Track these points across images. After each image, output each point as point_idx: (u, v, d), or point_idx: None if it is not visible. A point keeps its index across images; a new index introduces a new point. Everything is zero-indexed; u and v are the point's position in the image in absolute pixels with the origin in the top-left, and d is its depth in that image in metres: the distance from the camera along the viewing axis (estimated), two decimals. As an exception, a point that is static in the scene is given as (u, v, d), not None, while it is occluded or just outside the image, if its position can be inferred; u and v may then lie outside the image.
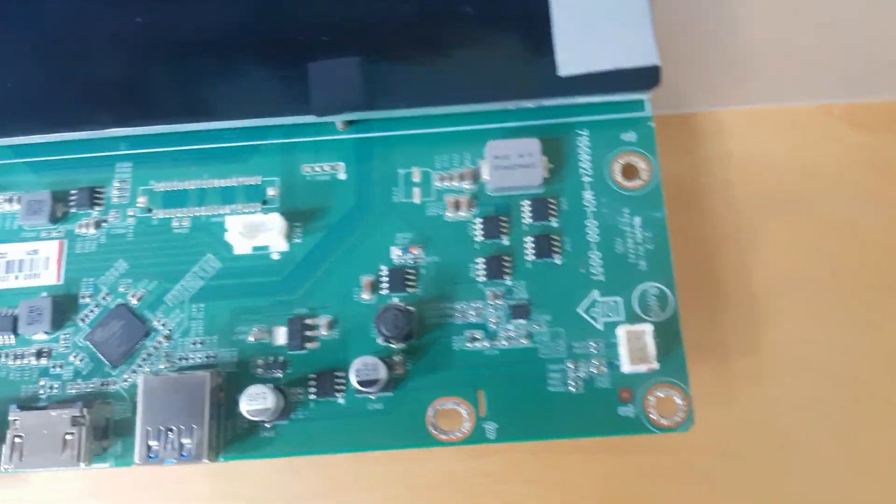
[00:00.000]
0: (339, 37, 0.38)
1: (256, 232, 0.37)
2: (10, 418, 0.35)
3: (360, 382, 0.34)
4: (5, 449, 0.34)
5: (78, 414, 0.34)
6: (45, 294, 0.38)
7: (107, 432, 0.36)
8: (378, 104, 0.37)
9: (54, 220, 0.39)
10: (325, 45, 0.38)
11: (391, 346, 0.36)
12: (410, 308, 0.36)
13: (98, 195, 0.39)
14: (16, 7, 0.40)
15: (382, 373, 0.34)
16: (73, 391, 0.37)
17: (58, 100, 0.39)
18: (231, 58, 0.39)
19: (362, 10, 0.39)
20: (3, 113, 0.39)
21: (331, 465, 0.39)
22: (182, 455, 0.33)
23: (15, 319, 0.37)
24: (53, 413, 0.34)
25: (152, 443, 0.34)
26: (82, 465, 0.34)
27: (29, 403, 0.36)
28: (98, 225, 0.39)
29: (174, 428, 0.34)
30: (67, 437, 0.34)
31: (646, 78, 0.38)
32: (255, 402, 0.34)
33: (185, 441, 0.34)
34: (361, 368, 0.34)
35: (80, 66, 0.39)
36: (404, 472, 0.38)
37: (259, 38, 0.39)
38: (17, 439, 0.34)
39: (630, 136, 0.39)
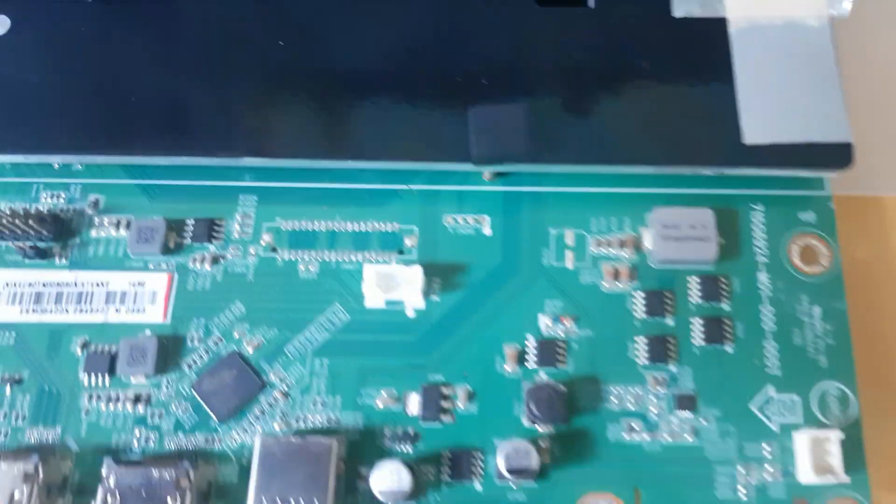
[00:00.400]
0: (502, 82, 0.35)
1: (393, 284, 0.33)
2: (103, 473, 0.30)
3: (509, 470, 0.30)
4: (97, 508, 0.29)
5: (184, 476, 0.30)
6: (148, 332, 0.34)
7: (207, 499, 0.31)
8: (543, 157, 0.33)
9: (166, 250, 0.35)
10: (487, 90, 0.35)
11: (537, 428, 0.32)
12: (564, 388, 0.31)
13: (217, 228, 0.35)
14: (155, 16, 0.36)
15: (535, 461, 0.30)
16: (173, 446, 0.32)
17: (185, 121, 0.35)
18: (379, 94, 0.35)
19: (531, 54, 0.35)
20: (122, 130, 0.36)
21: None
22: (299, 532, 0.29)
23: (113, 358, 0.33)
24: (155, 472, 0.30)
25: (267, 515, 0.29)
26: (184, 534, 0.29)
27: (122, 455, 0.32)
28: (215, 261, 0.35)
29: (292, 500, 0.29)
30: (170, 501, 0.29)
31: (837, 155, 0.34)
32: (388, 481, 0.29)
33: (305, 515, 0.29)
34: (512, 454, 0.30)
35: (214, 87, 0.36)
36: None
37: (414, 76, 0.35)
38: (109, 499, 0.29)
39: (808, 216, 0.35)
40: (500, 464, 0.30)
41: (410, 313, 0.34)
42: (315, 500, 0.29)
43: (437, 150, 0.34)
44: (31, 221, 0.35)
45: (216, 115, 0.35)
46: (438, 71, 0.36)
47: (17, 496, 0.30)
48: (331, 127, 0.35)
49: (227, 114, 0.35)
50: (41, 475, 0.30)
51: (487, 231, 0.35)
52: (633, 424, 0.32)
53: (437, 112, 0.35)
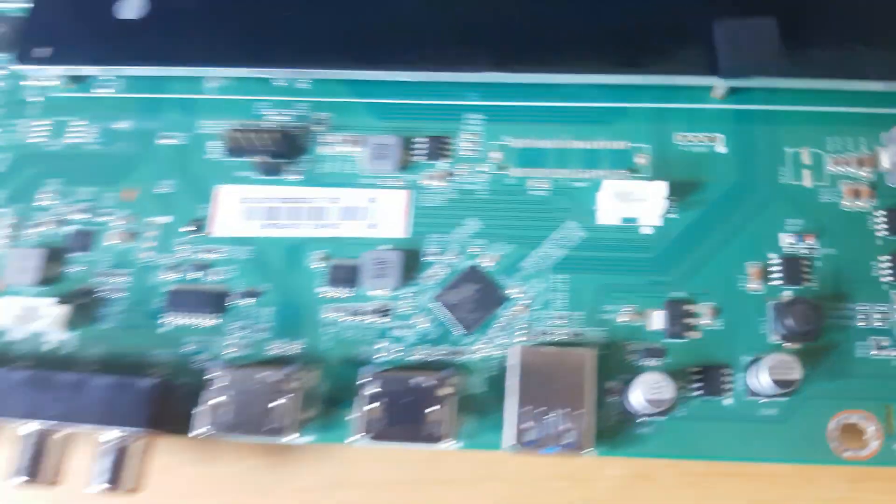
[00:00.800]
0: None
1: (632, 200, 0.33)
2: (364, 381, 0.31)
3: (776, 381, 0.29)
4: (358, 417, 0.30)
5: (446, 384, 0.30)
6: (386, 246, 0.34)
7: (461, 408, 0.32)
8: (795, 72, 0.33)
9: (399, 167, 0.35)
10: (729, 4, 0.34)
11: (785, 344, 0.32)
12: (820, 304, 0.31)
13: (445, 146, 0.35)
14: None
15: (797, 374, 0.30)
16: (418, 357, 0.33)
17: (420, 34, 0.35)
18: (612, 6, 0.35)
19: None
20: (347, 44, 0.36)
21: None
22: (563, 444, 0.29)
23: (354, 271, 0.34)
24: (418, 379, 0.30)
25: (529, 424, 0.29)
26: (445, 443, 0.30)
27: (378, 366, 0.32)
28: (446, 178, 0.35)
29: (553, 411, 0.30)
30: (432, 407, 0.30)
31: None
32: (654, 392, 0.30)
33: (565, 427, 0.29)
34: (777, 366, 0.30)
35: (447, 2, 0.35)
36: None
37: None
38: (372, 406, 0.30)
39: None
40: (763, 375, 0.30)
41: (647, 231, 0.34)
42: (576, 410, 0.30)
43: (675, 62, 0.34)
44: (265, 137, 0.35)
45: (452, 28, 0.35)
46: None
47: (274, 405, 0.30)
48: (566, 41, 0.34)
49: (463, 27, 0.35)
50: (297, 385, 0.31)
51: (721, 149, 0.35)
52: (881, 342, 0.32)
53: (674, 24, 0.34)
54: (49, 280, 0.35)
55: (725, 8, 0.34)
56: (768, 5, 0.34)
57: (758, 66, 0.33)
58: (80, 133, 0.37)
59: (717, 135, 0.35)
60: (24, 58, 0.37)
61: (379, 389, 0.31)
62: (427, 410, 0.30)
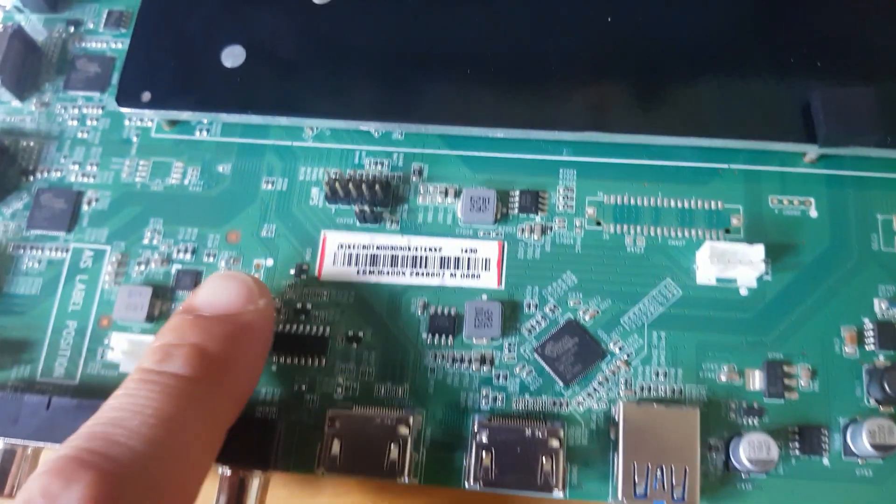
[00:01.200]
0: (842, 65, 0.35)
1: (733, 262, 0.34)
2: (475, 429, 0.32)
3: (874, 446, 0.30)
4: (472, 463, 0.31)
5: (555, 436, 0.31)
6: (485, 297, 0.35)
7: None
8: (893, 142, 0.34)
9: (496, 219, 0.36)
10: (825, 72, 0.35)
11: (879, 408, 0.32)
12: (917, 370, 0.32)
13: (541, 200, 0.36)
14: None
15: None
16: (520, 406, 0.33)
17: (522, 95, 0.36)
18: (712, 72, 0.36)
19: (875, 36, 0.35)
20: (447, 102, 0.37)
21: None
22: (673, 498, 0.30)
23: (455, 320, 0.35)
24: (528, 430, 0.31)
25: (638, 480, 0.30)
26: (558, 492, 0.30)
27: (486, 415, 0.33)
28: (543, 231, 0.36)
29: (663, 466, 0.30)
30: (543, 460, 0.31)
31: None
32: (759, 452, 0.30)
33: (673, 482, 0.30)
34: (876, 430, 0.31)
35: (547, 63, 0.37)
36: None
37: (746, 55, 0.36)
38: (484, 454, 0.31)
39: None
40: (865, 438, 0.31)
41: (744, 292, 0.35)
42: (685, 466, 0.30)
43: (771, 129, 0.35)
44: (364, 186, 0.36)
45: (554, 89, 0.36)
46: (771, 50, 0.36)
47: (391, 450, 0.31)
48: (664, 103, 0.36)
49: (563, 89, 0.36)
50: (408, 430, 0.32)
51: (813, 213, 0.36)
52: (976, 408, 0.33)
53: (770, 92, 0.35)
54: (157, 317, 0.36)
55: (823, 76, 0.35)
56: (864, 73, 0.35)
57: (857, 135, 0.34)
58: (181, 174, 0.38)
59: (810, 198, 0.36)
60: (123, 100, 0.38)
61: (491, 438, 0.31)
62: (541, 460, 0.31)
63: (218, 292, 0.31)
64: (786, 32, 0.36)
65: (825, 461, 0.32)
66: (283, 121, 0.37)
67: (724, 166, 0.37)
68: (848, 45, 0.36)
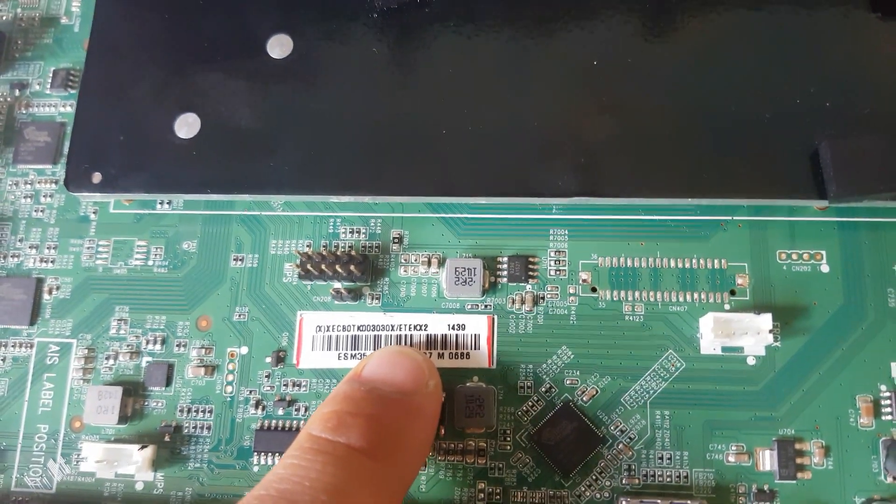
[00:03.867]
0: (855, 108, 0.32)
1: (737, 333, 0.31)
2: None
3: (896, 539, 0.28)
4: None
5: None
6: (476, 378, 0.33)
7: (563, 555, 0.31)
8: (909, 195, 0.31)
9: (483, 292, 0.34)
10: (835, 117, 0.32)
11: (898, 484, 0.31)
12: (937, 446, 0.30)
13: (531, 266, 0.34)
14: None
15: (918, 528, 0.29)
16: (518, 500, 0.32)
17: (496, 163, 0.33)
18: (709, 128, 0.33)
19: (887, 76, 0.32)
20: (424, 172, 0.34)
21: None
22: None
23: (445, 407, 0.33)
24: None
25: (644, 586, 0.29)
26: None
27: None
28: (535, 301, 0.33)
29: (669, 570, 0.29)
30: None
31: None
32: (772, 552, 0.29)
33: (681, 587, 0.29)
34: (896, 522, 0.29)
35: (524, 124, 0.33)
36: None
37: (757, 101, 0.33)
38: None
39: None
40: (884, 533, 0.29)
41: (751, 361, 0.32)
42: (694, 570, 0.29)
43: (776, 185, 0.32)
44: (339, 265, 0.33)
45: (538, 153, 0.33)
46: (774, 94, 0.33)
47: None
48: (657, 162, 0.33)
49: (552, 152, 0.33)
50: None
51: (825, 268, 0.33)
52: None
53: (774, 142, 0.32)
54: (130, 417, 0.34)
55: (831, 123, 0.32)
56: (879, 120, 0.32)
57: (870, 187, 0.31)
58: (145, 254, 0.36)
59: (821, 251, 0.33)
60: (72, 185, 0.35)
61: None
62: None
63: (391, 369, 0.30)
64: (789, 75, 0.33)
65: (842, 547, 0.30)
66: (246, 197, 0.34)
67: (728, 218, 0.34)
68: (856, 87, 0.32)
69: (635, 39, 0.34)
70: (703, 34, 0.34)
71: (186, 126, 0.35)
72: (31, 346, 0.35)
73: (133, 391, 0.34)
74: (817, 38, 0.33)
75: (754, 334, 0.31)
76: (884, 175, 0.31)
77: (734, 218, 0.34)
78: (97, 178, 0.35)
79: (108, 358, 0.35)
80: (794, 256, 0.33)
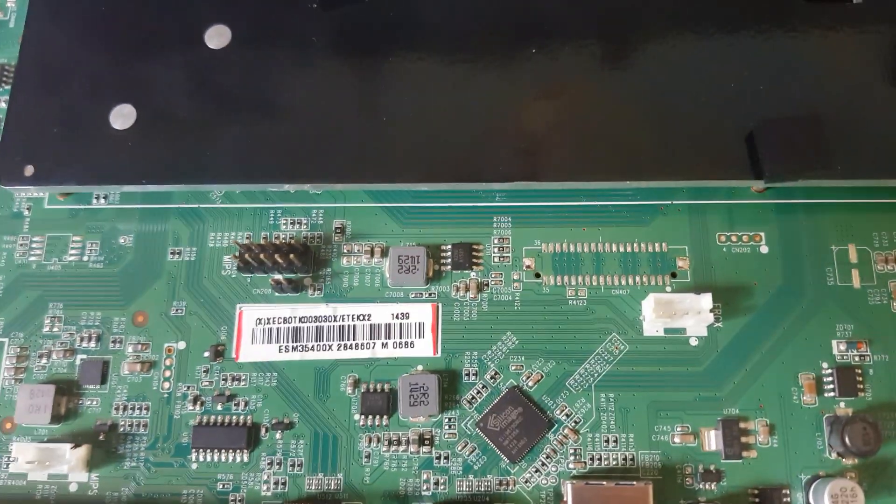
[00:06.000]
0: (788, 91, 0.32)
1: (678, 313, 0.32)
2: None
3: (838, 511, 0.29)
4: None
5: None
6: (420, 368, 0.32)
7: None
8: (845, 172, 0.31)
9: (427, 280, 0.33)
10: (769, 100, 0.32)
11: (843, 460, 0.31)
12: (877, 421, 0.30)
13: (475, 253, 0.34)
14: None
15: (860, 500, 0.29)
16: (465, 489, 0.31)
17: (438, 148, 0.33)
18: (648, 112, 0.33)
19: (818, 60, 0.33)
20: (365, 157, 0.33)
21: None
22: (629, 586, 0.28)
23: (389, 398, 0.32)
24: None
25: (591, 568, 0.28)
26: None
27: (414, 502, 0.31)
28: (479, 288, 0.33)
29: (616, 551, 0.28)
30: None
31: None
32: (718, 529, 0.28)
33: (629, 568, 0.28)
34: (838, 494, 0.29)
35: (465, 109, 0.33)
36: None
37: (694, 85, 0.33)
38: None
39: None
40: (827, 502, 0.29)
41: (694, 342, 0.32)
42: (640, 550, 0.28)
43: (713, 166, 0.32)
44: (279, 255, 0.33)
45: (476, 136, 0.33)
46: (710, 78, 0.33)
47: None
48: (597, 146, 0.33)
49: (494, 139, 0.33)
50: (346, 529, 0.29)
51: (764, 249, 0.33)
52: (941, 454, 0.31)
53: (710, 125, 0.33)
54: (63, 416, 0.33)
55: (765, 106, 0.32)
56: (810, 101, 0.32)
57: (804, 167, 0.31)
58: (80, 249, 0.35)
59: (759, 233, 0.33)
60: (3, 177, 0.34)
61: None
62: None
63: None
64: (724, 62, 0.33)
65: (788, 524, 0.30)
66: (184, 188, 0.34)
67: (668, 203, 0.34)
68: (788, 73, 0.33)
69: (575, 28, 0.34)
70: (643, 25, 0.34)
71: (122, 117, 0.34)
72: (-40, 346, 0.34)
73: (67, 390, 0.33)
74: (751, 27, 0.34)
75: (695, 314, 0.31)
76: (815, 154, 0.31)
77: (674, 202, 0.34)
78: (30, 170, 0.34)
79: (40, 356, 0.34)
80: (734, 238, 0.34)
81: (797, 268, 0.33)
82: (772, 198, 0.34)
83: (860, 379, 0.32)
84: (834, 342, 0.32)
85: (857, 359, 0.32)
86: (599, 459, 0.31)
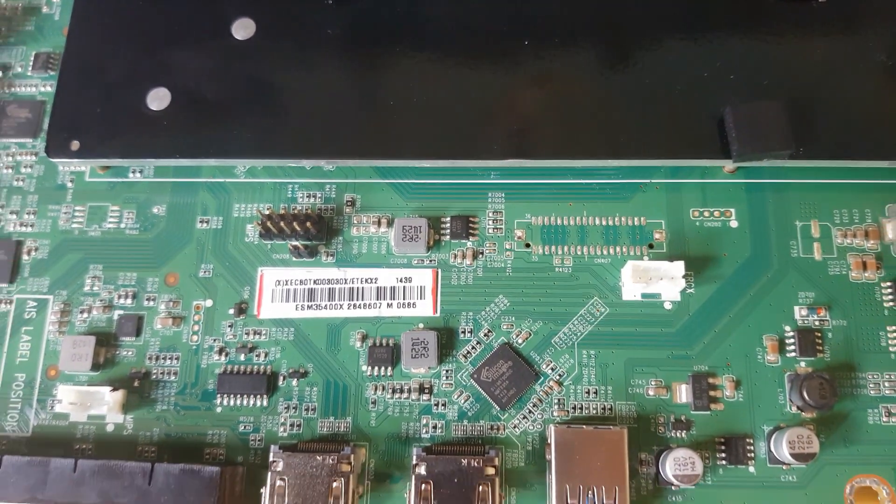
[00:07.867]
0: (749, 79, 0.36)
1: (654, 279, 0.35)
2: (414, 461, 0.33)
3: (794, 455, 0.32)
4: (412, 496, 0.32)
5: (491, 463, 0.32)
6: (421, 325, 0.36)
7: (504, 484, 0.34)
8: (806, 153, 0.35)
9: (428, 248, 0.37)
10: (738, 88, 0.36)
11: (802, 414, 0.34)
12: (833, 378, 0.33)
13: (472, 225, 0.37)
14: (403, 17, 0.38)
15: (815, 448, 0.32)
16: (460, 433, 0.35)
17: (443, 126, 0.37)
18: (628, 95, 0.37)
19: (784, 53, 0.36)
20: (374, 138, 0.37)
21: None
22: (604, 517, 0.31)
23: (393, 351, 0.36)
24: (464, 461, 0.33)
25: (571, 501, 0.32)
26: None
27: (415, 444, 0.34)
28: (475, 256, 0.37)
29: (594, 486, 0.32)
30: (480, 488, 0.32)
31: None
32: (684, 468, 0.32)
33: (607, 502, 0.32)
34: (795, 440, 0.32)
35: (464, 91, 0.37)
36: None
37: (670, 72, 0.36)
38: (423, 486, 0.32)
39: None
40: (785, 448, 0.32)
41: (668, 306, 0.36)
42: (616, 486, 0.32)
43: (687, 147, 0.36)
44: (297, 223, 0.37)
45: (473, 118, 0.36)
46: (685, 66, 0.37)
47: (334, 486, 0.32)
48: (582, 127, 0.36)
49: (490, 120, 0.36)
50: (352, 465, 0.33)
51: (734, 223, 0.37)
52: (891, 409, 0.34)
53: (685, 110, 0.36)
54: (102, 364, 0.36)
55: (735, 93, 0.36)
56: (777, 89, 0.36)
57: (767, 148, 0.34)
58: (118, 218, 0.39)
59: (730, 209, 0.37)
60: (52, 151, 0.38)
61: (430, 470, 0.32)
62: (477, 489, 0.32)
63: None
64: (698, 51, 0.37)
65: (751, 469, 0.34)
66: (213, 162, 0.38)
67: (647, 181, 0.37)
68: (756, 61, 0.36)
69: (564, 23, 0.38)
70: (627, 21, 0.38)
71: (158, 99, 0.38)
72: (11, 303, 0.38)
73: (105, 341, 0.37)
74: (724, 22, 0.37)
75: (669, 279, 0.35)
76: (778, 136, 0.35)
77: (652, 181, 0.38)
78: (75, 145, 0.38)
79: (82, 312, 0.37)
80: (707, 214, 0.37)
81: (764, 241, 0.37)
82: (742, 178, 0.37)
83: (819, 341, 0.35)
84: (796, 308, 0.35)
85: (817, 323, 0.35)
86: (581, 408, 0.35)
